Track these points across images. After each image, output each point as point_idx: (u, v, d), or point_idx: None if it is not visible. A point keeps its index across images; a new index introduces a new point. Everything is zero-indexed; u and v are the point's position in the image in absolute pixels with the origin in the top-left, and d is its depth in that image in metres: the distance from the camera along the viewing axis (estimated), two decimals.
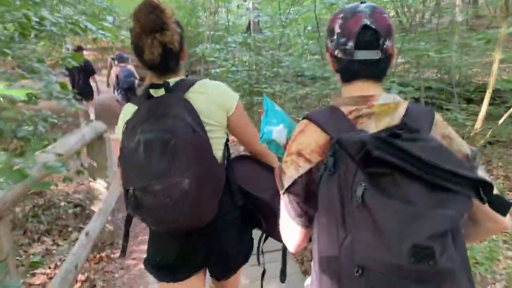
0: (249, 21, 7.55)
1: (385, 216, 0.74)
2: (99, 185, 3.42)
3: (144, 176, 1.17)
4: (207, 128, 1.25)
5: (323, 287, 0.91)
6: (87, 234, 2.38)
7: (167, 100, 1.24)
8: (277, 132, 1.20)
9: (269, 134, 1.20)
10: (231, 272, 1.49)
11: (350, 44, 0.96)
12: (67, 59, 2.28)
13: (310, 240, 1.05)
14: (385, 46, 0.96)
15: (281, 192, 1.01)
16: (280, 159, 1.15)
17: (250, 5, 7.01)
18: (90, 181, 3.43)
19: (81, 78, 6.85)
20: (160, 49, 1.24)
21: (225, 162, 1.37)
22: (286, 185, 0.99)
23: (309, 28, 6.74)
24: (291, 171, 0.98)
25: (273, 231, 1.33)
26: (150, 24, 1.21)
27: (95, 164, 3.39)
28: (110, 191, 3.34)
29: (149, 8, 1.21)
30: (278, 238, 1.21)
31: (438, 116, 0.97)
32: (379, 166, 0.77)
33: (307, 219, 1.00)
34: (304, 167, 0.96)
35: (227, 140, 1.41)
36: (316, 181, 0.93)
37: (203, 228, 1.27)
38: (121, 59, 6.70)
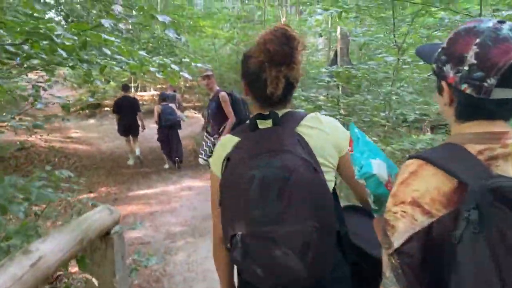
0: (335, 51, 6.10)
1: None
2: None
3: (257, 220, 1.02)
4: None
5: None
6: None
7: (278, 133, 1.13)
8: (377, 165, 0.96)
9: (369, 167, 0.96)
10: None
11: (491, 81, 0.76)
12: None
13: None
14: None
15: (388, 251, 0.81)
16: (380, 201, 0.94)
17: (338, 30, 5.52)
18: None
19: (127, 115, 7.31)
20: (284, 82, 1.14)
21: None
22: (396, 243, 0.80)
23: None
24: (404, 225, 0.79)
25: None
26: (281, 57, 1.10)
27: (95, 282, 1.95)
28: None
29: (283, 39, 1.09)
30: None
31: None
32: None
33: None
34: (422, 221, 0.77)
35: (336, 184, 1.24)
36: (437, 241, 0.75)
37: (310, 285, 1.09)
38: (163, 98, 7.15)
